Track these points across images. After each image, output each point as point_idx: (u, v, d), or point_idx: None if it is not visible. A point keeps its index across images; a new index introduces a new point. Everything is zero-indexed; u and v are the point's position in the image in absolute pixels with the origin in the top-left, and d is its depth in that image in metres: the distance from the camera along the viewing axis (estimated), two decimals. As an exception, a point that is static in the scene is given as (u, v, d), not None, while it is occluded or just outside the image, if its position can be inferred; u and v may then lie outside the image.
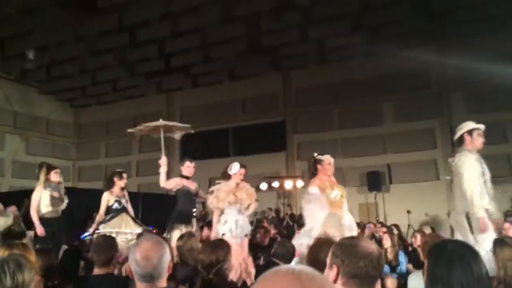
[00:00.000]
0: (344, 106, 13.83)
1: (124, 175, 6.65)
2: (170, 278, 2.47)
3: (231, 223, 5.52)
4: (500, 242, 2.85)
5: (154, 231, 6.72)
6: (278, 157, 14.54)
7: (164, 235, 5.84)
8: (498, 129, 11.30)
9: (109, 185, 6.50)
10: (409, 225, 10.86)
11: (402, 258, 6.39)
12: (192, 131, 7.65)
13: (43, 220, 5.98)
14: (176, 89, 16.03)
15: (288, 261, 3.65)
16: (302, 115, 14.49)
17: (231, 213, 5.65)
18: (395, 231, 8.33)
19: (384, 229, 8.36)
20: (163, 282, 1.93)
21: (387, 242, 6.66)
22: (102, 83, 15.06)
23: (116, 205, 6.30)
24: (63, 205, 6.33)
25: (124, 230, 5.98)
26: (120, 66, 13.79)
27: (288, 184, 13.39)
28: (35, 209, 6.03)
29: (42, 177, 6.14)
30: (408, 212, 11.18)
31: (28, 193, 12.36)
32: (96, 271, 3.09)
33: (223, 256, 2.73)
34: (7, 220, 7.09)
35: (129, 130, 7.61)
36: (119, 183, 6.50)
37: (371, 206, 12.50)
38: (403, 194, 12.23)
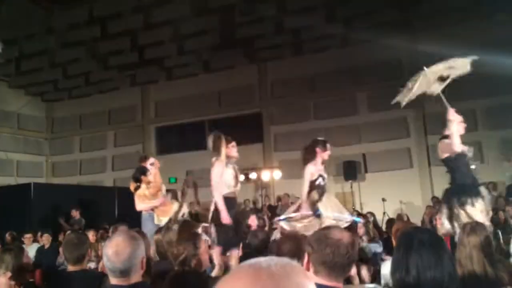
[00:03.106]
0: (320, 96, 13.94)
1: (328, 146, 5.37)
2: (147, 272, 2.48)
3: None
4: (464, 226, 3.00)
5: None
6: (255, 149, 14.57)
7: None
8: (469, 117, 11.56)
9: (311, 156, 5.25)
10: (384, 213, 11.08)
11: (375, 245, 6.54)
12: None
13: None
14: (151, 82, 15.84)
15: (261, 252, 3.67)
16: (278, 107, 14.54)
17: None
18: (371, 219, 8.52)
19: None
20: (136, 277, 1.94)
21: (361, 230, 6.80)
22: (74, 76, 14.75)
23: (320, 181, 5.17)
24: (239, 185, 5.19)
25: (338, 215, 5.00)
26: (92, 59, 13.54)
27: (266, 175, 13.46)
28: (220, 190, 4.84)
29: (223, 150, 4.97)
30: (383, 200, 11.40)
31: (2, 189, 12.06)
32: (70, 268, 3.07)
33: (185, 247, 2.75)
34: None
35: (397, 101, 5.80)
36: (323, 155, 5.28)
37: (348, 195, 12.68)
38: (378, 183, 12.45)
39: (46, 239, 7.76)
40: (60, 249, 6.51)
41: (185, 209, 6.10)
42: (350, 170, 12.62)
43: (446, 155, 4.82)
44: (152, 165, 6.04)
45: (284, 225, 5.19)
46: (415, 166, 12.61)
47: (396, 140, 12.91)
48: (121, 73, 14.80)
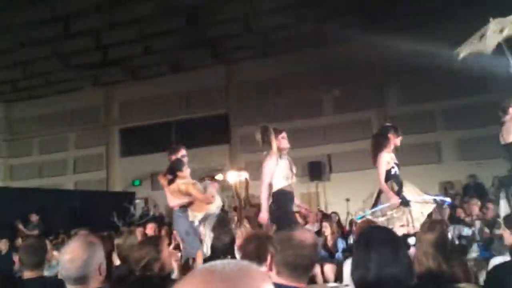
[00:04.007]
0: (287, 98, 14.04)
1: (399, 131, 4.97)
2: (108, 278, 2.42)
3: None
4: (423, 223, 3.11)
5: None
6: (222, 150, 14.55)
7: None
8: (428, 119, 11.99)
9: (384, 143, 4.84)
10: (348, 213, 11.26)
11: (340, 244, 6.66)
12: None
13: (280, 196, 4.56)
14: (115, 82, 15.53)
15: (225, 254, 3.66)
16: (245, 108, 14.55)
17: None
18: (335, 219, 8.66)
19: (325, 217, 8.65)
20: (93, 284, 1.89)
21: (327, 230, 6.91)
22: (34, 76, 14.28)
23: (395, 170, 4.74)
24: (294, 178, 4.84)
25: (425, 197, 4.70)
26: (54, 58, 13.16)
27: (232, 177, 13.42)
28: (267, 186, 4.55)
29: (274, 143, 4.65)
30: (347, 200, 11.58)
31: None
32: (27, 274, 2.96)
33: (147, 251, 2.72)
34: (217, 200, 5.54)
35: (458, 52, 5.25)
36: (395, 141, 4.89)
37: (313, 195, 12.84)
38: (343, 183, 12.65)
39: (3, 245, 7.48)
40: (16, 257, 6.26)
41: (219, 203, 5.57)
42: (315, 171, 12.77)
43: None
44: (184, 157, 5.50)
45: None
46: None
47: (360, 141, 13.16)
48: (84, 73, 14.46)
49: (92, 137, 15.90)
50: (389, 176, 4.69)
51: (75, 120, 16.28)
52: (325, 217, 8.43)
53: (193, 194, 5.14)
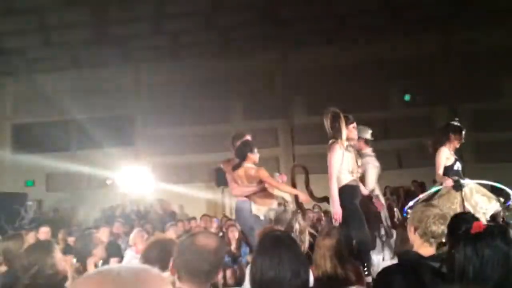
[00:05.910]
0: (195, 103, 13.98)
1: (463, 134, 4.85)
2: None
3: None
4: (322, 230, 3.29)
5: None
6: (126, 152, 14.03)
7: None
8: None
9: (443, 138, 4.78)
10: (253, 218, 11.51)
11: (245, 249, 6.77)
12: None
13: (346, 192, 4.20)
14: (9, 73, 14.24)
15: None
16: (152, 110, 14.21)
17: None
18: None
19: (231, 222, 8.72)
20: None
21: (232, 235, 7.03)
22: None
23: (457, 166, 4.76)
24: (360, 171, 4.50)
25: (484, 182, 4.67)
26: None
27: (138, 180, 13.00)
28: (335, 178, 4.20)
29: (344, 130, 4.24)
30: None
31: None
32: None
33: (37, 258, 2.54)
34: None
35: None
36: (455, 143, 4.81)
37: (219, 200, 12.89)
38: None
39: None
40: None
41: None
42: (222, 176, 12.79)
43: None
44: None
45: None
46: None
47: (266, 149, 13.56)
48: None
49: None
50: (448, 172, 4.67)
51: None
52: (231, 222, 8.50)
53: (264, 178, 4.69)
